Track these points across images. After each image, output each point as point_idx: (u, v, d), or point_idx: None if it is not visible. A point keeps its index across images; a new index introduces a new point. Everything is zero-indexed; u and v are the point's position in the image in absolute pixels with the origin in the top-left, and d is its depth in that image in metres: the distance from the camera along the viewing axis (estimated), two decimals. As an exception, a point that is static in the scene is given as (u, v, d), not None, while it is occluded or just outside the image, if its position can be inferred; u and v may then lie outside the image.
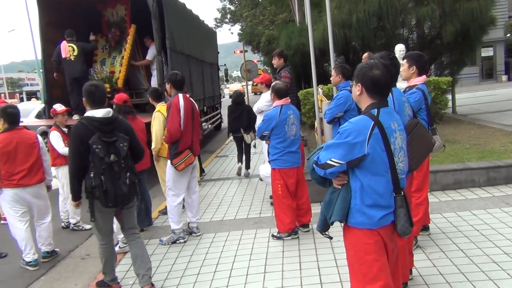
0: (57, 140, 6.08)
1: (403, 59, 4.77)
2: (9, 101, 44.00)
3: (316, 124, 7.14)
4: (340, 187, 2.60)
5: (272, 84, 5.31)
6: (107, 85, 8.65)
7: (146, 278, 4.11)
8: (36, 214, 5.16)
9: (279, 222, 5.11)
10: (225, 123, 18.16)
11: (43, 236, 5.24)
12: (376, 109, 2.55)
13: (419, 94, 4.29)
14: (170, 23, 9.41)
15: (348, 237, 2.65)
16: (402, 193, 2.56)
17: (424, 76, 4.52)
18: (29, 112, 14.46)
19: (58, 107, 6.36)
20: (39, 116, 13.94)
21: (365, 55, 8.21)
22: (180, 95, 5.15)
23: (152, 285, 4.14)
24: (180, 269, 4.60)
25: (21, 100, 56.80)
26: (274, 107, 5.07)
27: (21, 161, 4.87)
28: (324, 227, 2.76)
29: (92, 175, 3.68)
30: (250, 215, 6.16)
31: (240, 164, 8.79)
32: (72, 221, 6.39)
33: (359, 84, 2.60)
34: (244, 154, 8.80)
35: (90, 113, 3.82)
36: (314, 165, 2.61)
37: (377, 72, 2.55)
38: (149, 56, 9.93)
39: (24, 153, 4.89)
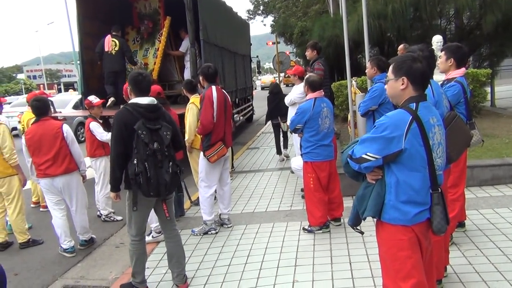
0: (98, 128, 6.21)
1: (441, 51, 4.64)
2: (47, 91, 45.41)
3: (349, 117, 7.05)
4: (374, 182, 2.56)
5: (306, 77, 5.26)
6: None
7: (180, 278, 4.10)
8: (69, 203, 5.28)
9: (310, 216, 5.09)
10: (256, 115, 18.24)
11: (79, 226, 5.38)
12: (414, 103, 2.49)
13: (457, 88, 4.16)
14: (203, 15, 9.44)
15: (381, 233, 2.61)
16: (439, 190, 2.50)
17: (463, 69, 4.38)
18: (67, 103, 14.87)
19: (94, 99, 6.50)
20: (76, 107, 14.31)
21: (401, 46, 8.04)
22: (213, 87, 5.17)
23: (186, 282, 4.14)
24: (211, 260, 4.65)
25: (59, 91, 58.51)
26: (307, 99, 5.03)
27: (45, 152, 5.01)
28: (355, 222, 2.73)
29: (135, 161, 3.60)
30: (281, 207, 6.16)
31: (280, 155, 9.56)
32: (104, 212, 6.54)
33: (403, 77, 2.52)
34: (282, 137, 9.54)
35: (135, 100, 3.79)
36: (348, 159, 2.57)
37: (420, 65, 2.50)
38: (182, 48, 10.05)
39: (47, 144, 5.01)
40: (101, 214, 6.56)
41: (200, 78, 5.37)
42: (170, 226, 4.12)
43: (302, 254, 4.53)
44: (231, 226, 5.55)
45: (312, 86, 4.96)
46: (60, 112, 11.45)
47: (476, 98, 9.87)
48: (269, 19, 35.73)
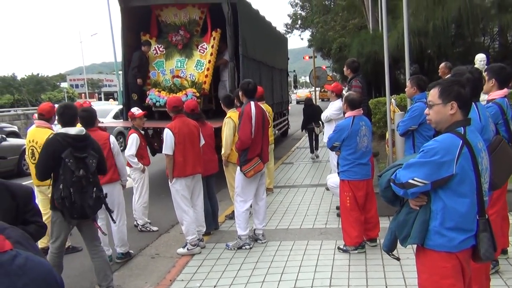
0: (132, 143, 6.34)
1: (484, 71, 4.55)
2: (88, 100, 46.75)
3: (388, 135, 6.96)
4: (418, 208, 2.51)
5: (345, 95, 5.25)
6: (193, 90, 8.88)
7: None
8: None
9: (346, 235, 5.03)
10: (292, 129, 18.21)
11: (117, 237, 5.46)
12: (462, 128, 2.44)
13: (494, 109, 4.07)
14: (243, 30, 9.55)
15: (423, 259, 2.55)
16: (486, 216, 2.44)
17: (505, 90, 4.27)
18: (108, 112, 15.28)
19: (136, 110, 6.67)
20: (116, 117, 14.66)
21: (442, 65, 7.92)
22: (252, 103, 5.23)
23: None
24: (245, 276, 4.65)
25: (99, 100, 60.29)
26: (346, 117, 5.01)
27: None
28: (391, 247, 2.69)
29: (61, 186, 3.98)
30: (316, 225, 6.11)
31: (312, 154, 11.93)
32: (140, 222, 6.64)
33: (453, 102, 2.46)
34: (314, 141, 11.94)
35: (64, 130, 4.18)
36: (392, 184, 2.53)
37: (467, 90, 2.46)
38: (227, 56, 9.63)
39: None
40: (138, 224, 6.67)
41: (240, 93, 5.44)
42: (93, 244, 4.52)
43: (337, 274, 4.47)
44: (265, 242, 5.55)
45: (351, 104, 4.94)
46: (102, 122, 11.75)
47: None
48: (307, 34, 35.88)
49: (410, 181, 2.44)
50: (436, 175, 2.39)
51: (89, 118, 5.24)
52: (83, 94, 66.26)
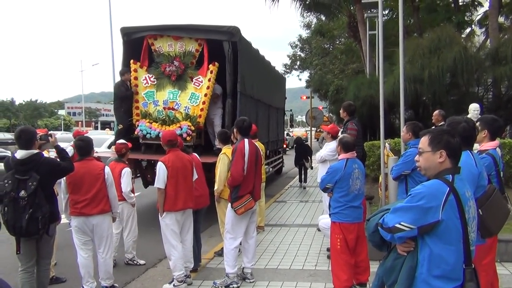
0: (128, 178, 6.34)
1: (476, 121, 4.63)
2: (84, 129, 46.77)
3: (381, 179, 6.97)
4: (405, 253, 2.50)
5: (340, 137, 5.29)
6: (188, 123, 8.58)
7: None
8: (97, 245, 5.28)
9: (335, 278, 4.95)
10: (286, 167, 18.22)
11: (102, 270, 5.32)
12: (451, 175, 2.47)
13: (488, 160, 4.11)
14: (242, 68, 9.68)
15: None
16: (472, 266, 2.42)
17: (496, 142, 4.35)
18: (103, 142, 15.27)
19: (122, 142, 6.75)
20: (111, 146, 14.65)
21: (436, 112, 8.04)
22: (246, 140, 5.26)
23: None
24: (231, 315, 4.55)
25: (95, 128, 60.46)
26: (340, 160, 5.04)
27: (85, 191, 5.08)
28: None
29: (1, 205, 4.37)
30: (306, 266, 6.03)
31: (301, 183, 13.73)
32: (128, 256, 6.54)
33: (442, 151, 2.51)
34: (303, 174, 13.68)
35: (15, 152, 4.50)
36: (379, 228, 2.53)
37: (457, 140, 2.50)
38: (217, 91, 9.59)
39: (88, 183, 5.09)
40: (126, 257, 6.57)
41: (234, 130, 5.47)
42: (43, 261, 4.76)
43: (324, 319, 4.39)
44: (253, 281, 5.45)
45: (345, 147, 4.98)
46: (97, 152, 11.71)
47: (512, 169, 9.63)
48: (305, 74, 36.54)
49: (397, 225, 2.44)
50: (423, 220, 2.39)
51: (85, 147, 5.26)
52: (80, 122, 66.47)
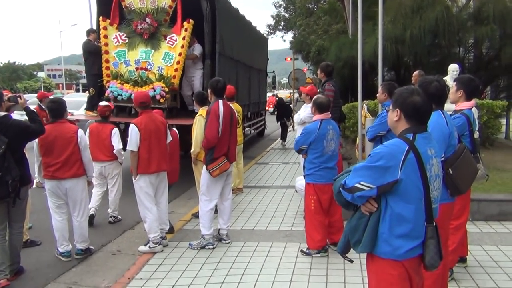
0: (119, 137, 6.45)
1: (453, 81, 4.60)
2: (66, 92, 45.79)
3: (358, 140, 6.98)
4: (367, 213, 2.49)
5: (314, 98, 5.22)
6: (162, 84, 8.15)
7: (12, 269, 4.70)
8: (72, 208, 5.25)
9: (309, 238, 5.01)
10: (268, 130, 18.22)
11: (77, 233, 5.31)
12: (412, 134, 2.44)
13: (462, 120, 4.13)
14: (221, 27, 9.44)
15: (371, 266, 2.55)
16: (434, 224, 2.43)
17: (472, 102, 4.34)
18: (81, 105, 14.95)
19: (105, 103, 6.58)
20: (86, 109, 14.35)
21: (416, 73, 7.99)
22: (220, 102, 5.17)
23: (14, 276, 4.71)
24: (205, 276, 4.59)
25: (77, 91, 59.31)
26: (313, 121, 4.99)
27: (57, 154, 4.99)
28: (345, 250, 2.69)
29: None
30: (282, 227, 6.09)
31: (282, 141, 14.82)
32: (115, 213, 6.71)
33: (397, 109, 2.50)
34: (283, 132, 15.01)
35: None
36: (341, 189, 2.52)
37: (417, 99, 2.45)
38: (197, 51, 9.11)
39: (60, 147, 4.99)
40: (114, 216, 6.69)
41: (209, 91, 5.37)
42: (15, 225, 4.73)
43: (297, 278, 4.45)
44: (229, 242, 5.49)
45: (319, 108, 4.92)
46: (72, 114, 11.48)
47: (490, 129, 9.74)
48: (289, 35, 35.91)
49: (357, 185, 2.43)
50: (382, 179, 2.38)
51: (57, 110, 5.12)
52: (60, 85, 65.07)
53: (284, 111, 15.82)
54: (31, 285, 4.68)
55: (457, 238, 4.25)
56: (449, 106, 4.27)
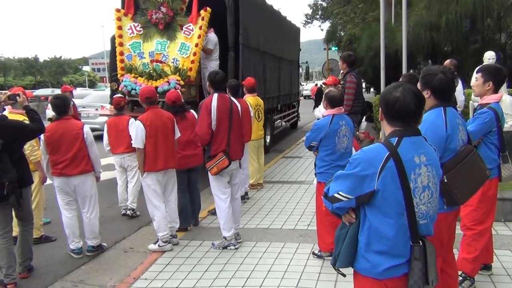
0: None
1: (476, 72, 4.19)
2: (107, 85, 46.91)
3: (381, 135, 6.62)
4: (347, 224, 2.24)
5: (325, 91, 4.92)
6: (177, 78, 7.84)
7: (23, 267, 4.70)
8: (81, 205, 5.22)
9: (320, 240, 4.76)
10: (302, 121, 17.86)
11: (88, 230, 5.27)
12: (397, 138, 2.14)
13: (490, 115, 3.72)
14: (245, 18, 9.23)
15: (355, 282, 2.31)
16: (420, 243, 2.13)
17: (500, 94, 3.94)
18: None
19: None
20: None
21: (447, 62, 7.53)
22: (215, 96, 4.95)
23: (27, 273, 4.74)
24: (210, 278, 4.43)
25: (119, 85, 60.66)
26: (325, 116, 4.70)
27: (64, 151, 4.95)
28: (335, 261, 2.42)
29: None
30: (298, 226, 5.84)
31: None
32: (134, 205, 6.69)
33: (380, 109, 2.21)
34: None
35: None
36: (323, 197, 2.27)
37: (396, 95, 2.14)
38: (210, 45, 8.57)
39: (67, 144, 4.94)
40: (132, 208, 6.67)
41: (207, 84, 5.18)
42: (21, 222, 4.70)
43: (304, 283, 4.22)
44: (240, 242, 5.29)
45: (331, 102, 4.62)
46: (107, 108, 11.53)
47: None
48: (327, 25, 35.21)
49: (336, 195, 2.18)
50: (359, 189, 2.12)
51: (61, 106, 5.06)
52: (104, 78, 66.72)
53: (320, 101, 15.51)
54: (39, 283, 4.67)
55: (480, 245, 3.87)
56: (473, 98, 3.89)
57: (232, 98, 5.19)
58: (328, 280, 4.23)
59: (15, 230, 5.26)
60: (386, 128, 2.25)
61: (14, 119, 4.65)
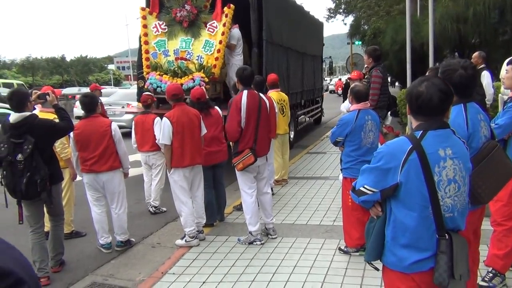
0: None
1: (507, 64, 4.09)
2: (133, 83, 47.47)
3: (408, 129, 6.53)
4: (375, 217, 2.24)
5: (351, 86, 4.89)
6: (202, 75, 7.89)
7: (55, 261, 4.83)
8: (110, 201, 5.33)
9: (347, 236, 4.74)
10: (326, 117, 17.74)
11: (116, 225, 5.38)
12: (421, 131, 2.13)
13: None
14: (268, 14, 9.21)
15: (384, 276, 2.32)
16: (446, 236, 2.11)
17: (531, 87, 3.83)
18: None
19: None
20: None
21: (476, 54, 7.39)
22: (245, 92, 4.97)
23: (59, 266, 4.87)
24: (236, 273, 4.47)
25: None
26: (351, 111, 4.67)
27: (93, 148, 5.06)
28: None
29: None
30: (324, 221, 5.83)
31: None
32: (157, 203, 6.77)
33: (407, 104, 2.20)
34: None
35: (10, 116, 4.37)
36: (351, 191, 2.28)
37: (420, 90, 2.13)
38: (233, 40, 8.52)
39: (95, 141, 5.05)
40: (155, 205, 6.76)
41: (235, 80, 5.20)
42: (52, 218, 4.80)
43: (330, 278, 4.21)
44: (275, 237, 5.30)
45: (357, 97, 4.59)
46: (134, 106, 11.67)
47: None
48: (350, 19, 34.81)
49: (361, 188, 2.22)
50: (383, 183, 2.13)
51: (90, 104, 5.17)
52: (129, 76, 67.74)
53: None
54: (70, 277, 4.80)
55: (511, 241, 3.80)
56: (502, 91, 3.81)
57: (261, 95, 5.21)
58: (355, 276, 4.22)
59: (47, 226, 5.43)
60: (413, 122, 2.25)
61: (45, 117, 4.76)
